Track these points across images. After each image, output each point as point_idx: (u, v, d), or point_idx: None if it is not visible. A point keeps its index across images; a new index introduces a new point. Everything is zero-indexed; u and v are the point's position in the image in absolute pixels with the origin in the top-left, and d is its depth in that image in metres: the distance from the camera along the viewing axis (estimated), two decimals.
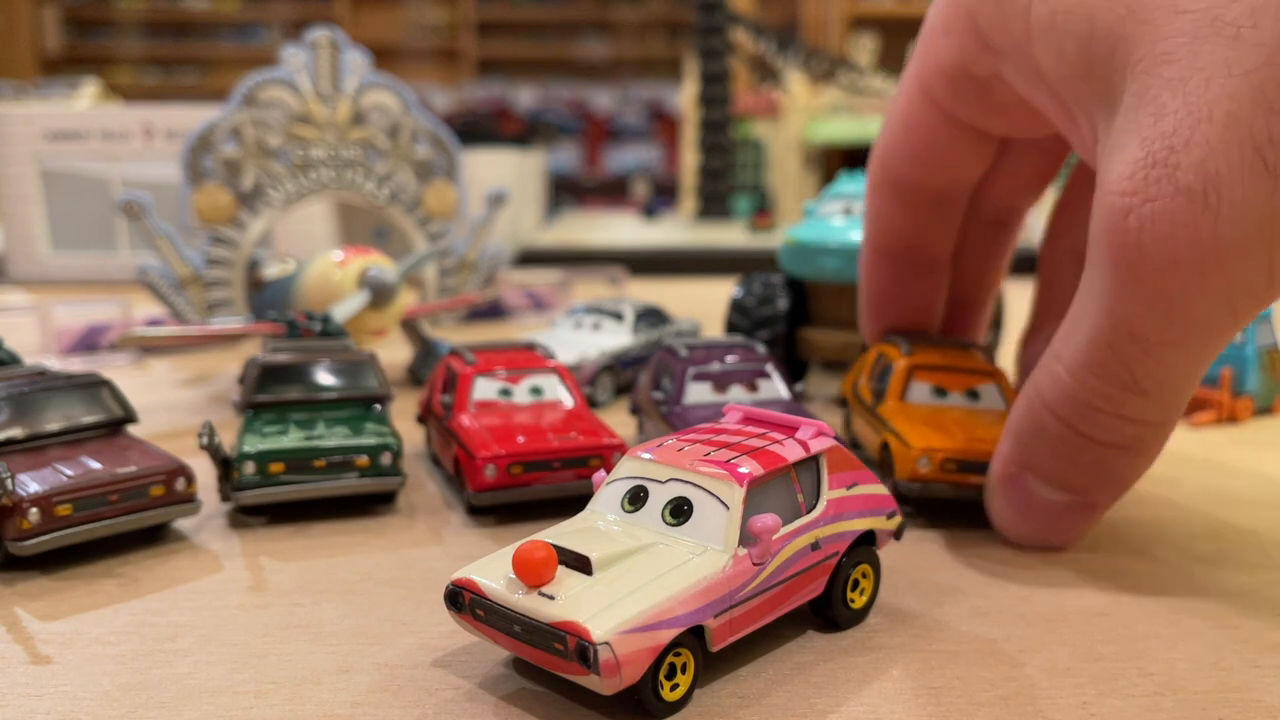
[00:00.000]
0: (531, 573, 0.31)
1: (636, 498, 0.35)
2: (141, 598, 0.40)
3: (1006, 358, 0.84)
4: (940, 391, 0.53)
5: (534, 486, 0.48)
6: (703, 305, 0.98)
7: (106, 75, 3.73)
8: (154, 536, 0.46)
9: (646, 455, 0.35)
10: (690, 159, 2.14)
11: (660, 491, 0.34)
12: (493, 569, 0.32)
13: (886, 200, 0.53)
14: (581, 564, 0.31)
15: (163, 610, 0.39)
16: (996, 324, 0.80)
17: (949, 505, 0.49)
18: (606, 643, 0.28)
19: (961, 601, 0.40)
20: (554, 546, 0.32)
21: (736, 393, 0.56)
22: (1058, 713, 0.32)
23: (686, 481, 0.34)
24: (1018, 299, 0.97)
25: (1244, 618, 0.38)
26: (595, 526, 0.34)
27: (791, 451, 0.35)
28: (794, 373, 0.74)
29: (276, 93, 0.83)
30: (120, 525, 0.43)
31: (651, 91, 4.70)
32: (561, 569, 0.31)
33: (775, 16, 3.65)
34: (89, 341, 0.86)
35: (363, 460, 0.48)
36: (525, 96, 4.77)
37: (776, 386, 0.57)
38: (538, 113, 4.65)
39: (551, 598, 0.30)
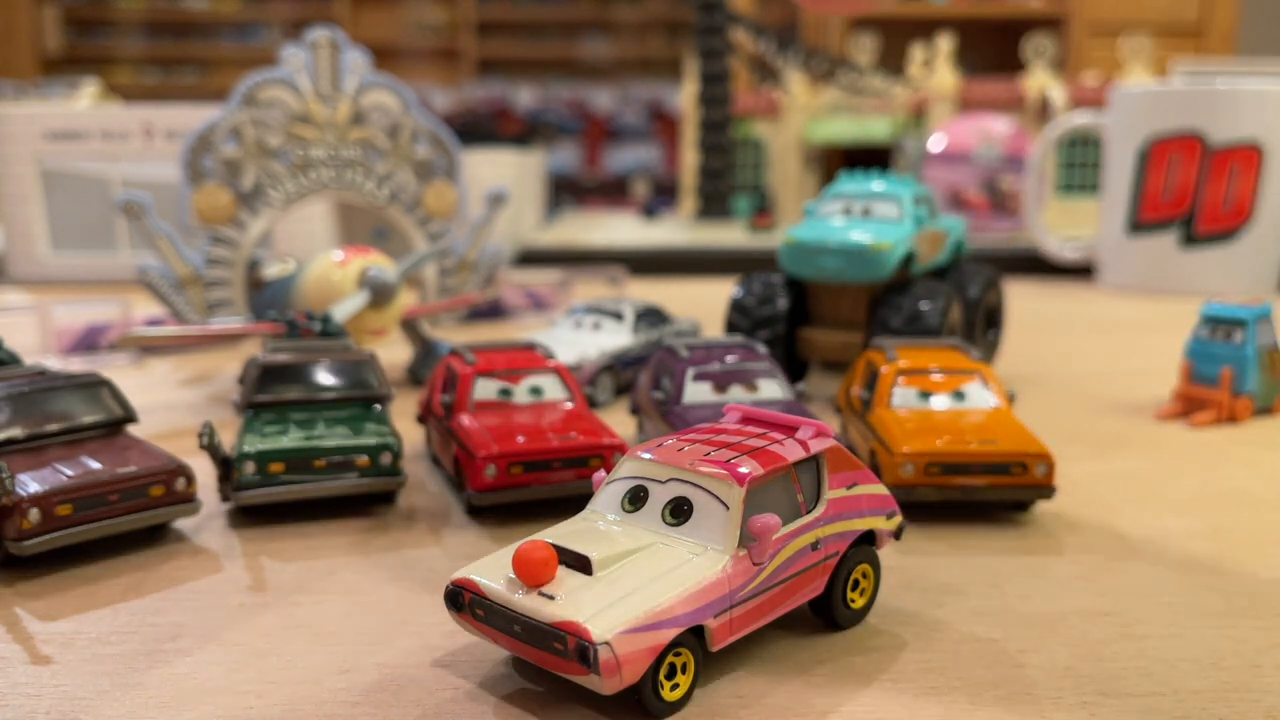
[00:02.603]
0: (531, 573, 0.31)
1: (636, 498, 0.35)
2: (141, 598, 0.40)
3: (1007, 356, 0.84)
4: (926, 395, 0.53)
5: (534, 486, 0.48)
6: (703, 305, 0.98)
7: (106, 75, 3.73)
8: (154, 536, 0.46)
9: (646, 455, 0.35)
10: (690, 159, 2.14)
11: (660, 491, 0.34)
12: (493, 569, 0.32)
13: None
14: (582, 564, 0.31)
15: (163, 610, 0.39)
16: (996, 323, 0.80)
17: (948, 506, 0.49)
18: (606, 642, 0.28)
19: (961, 601, 0.40)
20: (554, 546, 0.32)
21: (736, 393, 0.56)
22: (1058, 713, 0.32)
23: (686, 481, 0.34)
24: (1017, 299, 0.97)
25: (1244, 618, 0.38)
26: (595, 526, 0.34)
27: (791, 451, 0.35)
28: (794, 373, 0.74)
29: (276, 93, 0.83)
30: (120, 525, 0.43)
31: (651, 91, 4.70)
32: (562, 569, 0.31)
33: (775, 16, 3.65)
34: (89, 341, 0.86)
35: (363, 460, 0.48)
36: (525, 96, 4.76)
37: (776, 386, 0.57)
38: (538, 113, 4.65)
39: (551, 598, 0.30)
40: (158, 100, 1.80)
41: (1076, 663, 0.35)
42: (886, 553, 0.44)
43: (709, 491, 0.33)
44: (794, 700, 0.32)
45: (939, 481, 0.48)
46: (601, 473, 0.37)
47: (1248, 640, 0.36)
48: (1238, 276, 1.25)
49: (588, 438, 0.49)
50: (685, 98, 2.21)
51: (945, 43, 2.07)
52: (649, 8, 4.64)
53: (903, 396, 0.53)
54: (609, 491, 0.36)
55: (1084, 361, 0.88)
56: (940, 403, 0.53)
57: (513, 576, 0.31)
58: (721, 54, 1.99)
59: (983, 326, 0.77)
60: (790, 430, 0.37)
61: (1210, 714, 0.32)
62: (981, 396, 0.53)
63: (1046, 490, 0.48)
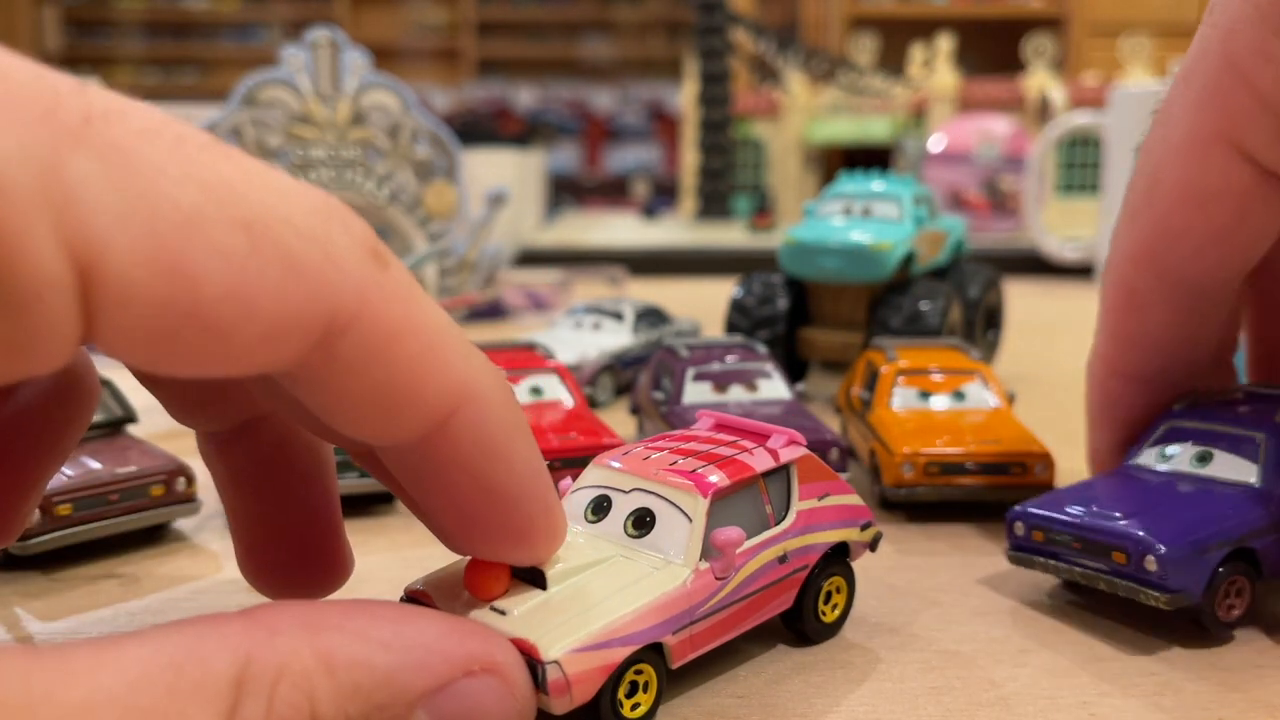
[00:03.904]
0: (482, 586, 0.29)
1: (600, 508, 0.33)
2: (141, 598, 0.40)
3: (1007, 356, 0.84)
4: (926, 395, 0.53)
5: None
6: (703, 305, 0.98)
7: (106, 75, 3.74)
8: (154, 536, 0.46)
9: (615, 464, 0.34)
10: (690, 159, 2.14)
11: (624, 502, 0.33)
12: (447, 581, 0.31)
13: (1158, 311, 0.40)
14: (536, 578, 0.30)
15: (163, 610, 0.39)
16: (996, 323, 0.81)
17: (948, 506, 0.49)
18: (556, 662, 0.27)
19: (961, 602, 0.40)
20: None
21: (736, 393, 0.56)
22: (1058, 713, 0.32)
23: (650, 492, 0.33)
24: (1017, 298, 0.97)
25: (1244, 618, 0.38)
26: None
27: (760, 461, 0.34)
28: (794, 373, 0.74)
29: (276, 93, 0.83)
30: (120, 525, 0.43)
31: (651, 91, 4.70)
32: (515, 583, 0.30)
33: (775, 16, 3.66)
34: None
35: None
36: (525, 96, 4.77)
37: (777, 386, 0.57)
38: (538, 113, 4.66)
39: (503, 613, 0.29)
40: (158, 100, 1.79)
41: (1076, 663, 0.35)
42: (886, 552, 0.44)
43: (672, 502, 0.32)
44: (794, 700, 0.32)
45: (939, 481, 0.48)
46: (568, 480, 0.35)
47: (1247, 640, 0.36)
48: None
49: (588, 438, 0.49)
50: (685, 98, 2.21)
51: (945, 43, 2.07)
52: (649, 8, 4.65)
53: (903, 396, 0.53)
54: (573, 501, 0.34)
55: (1084, 361, 0.87)
56: (940, 403, 0.53)
57: (465, 590, 0.30)
58: (721, 54, 1.99)
59: (983, 326, 0.77)
60: (762, 438, 0.35)
61: (1210, 714, 0.32)
62: (981, 396, 0.53)
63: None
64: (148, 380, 0.29)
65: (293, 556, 0.32)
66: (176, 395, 0.30)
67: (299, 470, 0.31)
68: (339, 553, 0.32)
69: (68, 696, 0.18)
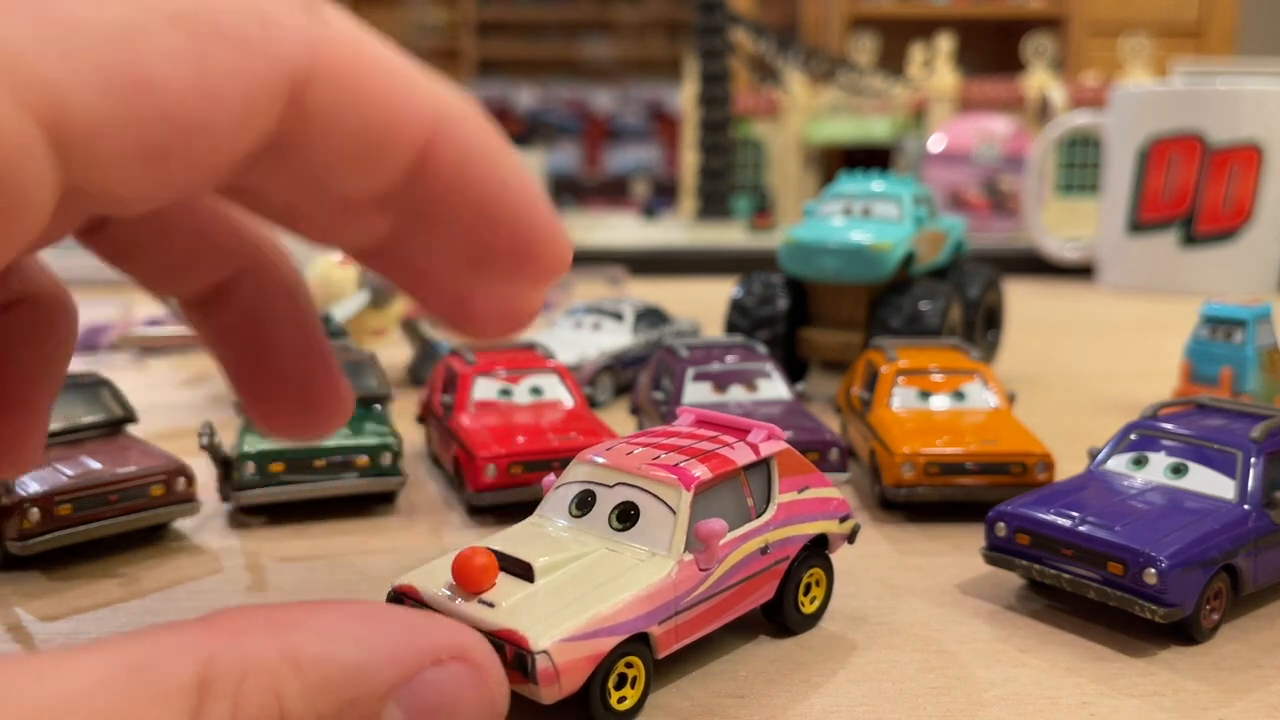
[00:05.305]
0: (470, 579, 0.30)
1: (584, 502, 0.34)
2: (141, 598, 0.40)
3: (1007, 356, 0.84)
4: (926, 395, 0.53)
5: (534, 486, 0.48)
6: (703, 305, 0.98)
7: None
8: (154, 536, 0.46)
9: (599, 459, 0.35)
10: (690, 159, 2.14)
11: (608, 496, 0.34)
12: (435, 575, 0.32)
13: None
14: (523, 571, 0.31)
15: (163, 610, 0.39)
16: (996, 323, 0.81)
17: (948, 506, 0.49)
18: (545, 651, 0.28)
19: (961, 602, 0.40)
20: (495, 553, 0.31)
21: (736, 393, 0.56)
22: (1058, 713, 0.32)
23: (634, 486, 0.33)
24: (1017, 299, 0.97)
25: (1244, 618, 0.38)
26: (542, 532, 0.34)
27: (741, 455, 0.35)
28: (794, 373, 0.74)
29: None
30: (120, 525, 0.43)
31: (651, 91, 4.70)
32: (503, 576, 0.31)
33: (775, 16, 3.66)
34: (89, 342, 0.86)
35: (363, 460, 0.48)
36: (525, 96, 4.77)
37: (777, 386, 0.57)
38: (538, 113, 4.66)
39: (492, 605, 0.29)
40: None
41: (1076, 663, 0.35)
42: (886, 552, 0.44)
43: (656, 496, 0.33)
44: (794, 700, 0.32)
45: (939, 481, 0.48)
46: (551, 476, 0.36)
47: (1247, 640, 0.36)
48: (1238, 276, 1.25)
49: (588, 438, 0.49)
50: (685, 98, 2.21)
51: (945, 43, 2.07)
52: (649, 8, 4.64)
53: (903, 396, 0.53)
54: (558, 495, 0.35)
55: (1084, 361, 0.87)
56: (940, 403, 0.53)
57: (453, 583, 0.30)
58: (721, 54, 1.99)
59: (983, 326, 0.77)
60: (742, 433, 0.36)
61: (1210, 714, 0.32)
62: (981, 396, 0.53)
63: None
64: (121, 256, 0.29)
65: (293, 395, 0.32)
66: (154, 264, 0.30)
67: (280, 315, 0.31)
68: (336, 384, 0.32)
69: (26, 700, 0.18)
